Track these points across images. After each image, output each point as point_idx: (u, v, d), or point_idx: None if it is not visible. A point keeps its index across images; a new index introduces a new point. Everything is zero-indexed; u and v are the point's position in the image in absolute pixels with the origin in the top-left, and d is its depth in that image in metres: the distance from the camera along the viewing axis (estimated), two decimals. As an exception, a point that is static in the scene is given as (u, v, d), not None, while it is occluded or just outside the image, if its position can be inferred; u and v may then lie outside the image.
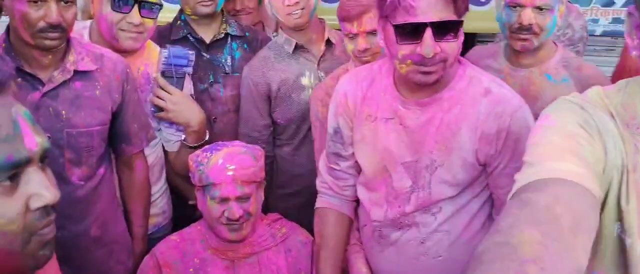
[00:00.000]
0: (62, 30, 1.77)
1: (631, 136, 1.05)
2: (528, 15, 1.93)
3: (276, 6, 2.32)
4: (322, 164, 1.91)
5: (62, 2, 1.75)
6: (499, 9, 2.05)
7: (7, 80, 0.86)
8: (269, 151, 2.45)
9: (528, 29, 1.94)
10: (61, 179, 1.81)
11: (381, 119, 1.66)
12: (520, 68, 2.05)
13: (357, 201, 1.85)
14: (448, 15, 1.45)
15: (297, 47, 2.39)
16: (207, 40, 2.50)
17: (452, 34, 1.48)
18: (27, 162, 0.85)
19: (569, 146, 1.04)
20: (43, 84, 1.82)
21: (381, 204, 1.71)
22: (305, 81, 2.40)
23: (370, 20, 1.94)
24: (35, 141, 0.87)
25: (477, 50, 2.35)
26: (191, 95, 2.36)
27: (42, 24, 1.73)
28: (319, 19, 2.48)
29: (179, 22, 2.52)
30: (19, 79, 1.78)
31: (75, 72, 1.87)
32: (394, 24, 1.48)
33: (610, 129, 1.06)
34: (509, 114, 1.55)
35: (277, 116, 2.46)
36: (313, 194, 2.38)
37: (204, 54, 2.50)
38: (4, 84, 0.86)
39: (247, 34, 2.61)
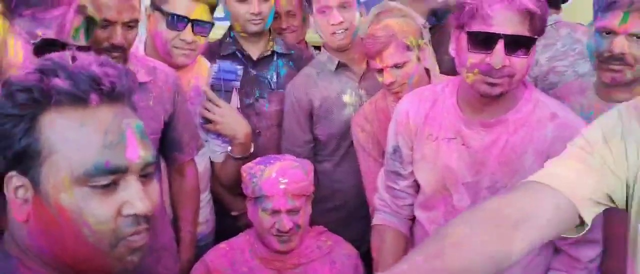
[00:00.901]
0: (123, 50, 1.89)
1: None
2: (621, 44, 1.74)
3: (321, 26, 2.41)
4: (380, 182, 1.98)
5: (127, 26, 1.87)
6: (589, 35, 1.89)
7: (126, 92, 0.94)
8: (310, 166, 2.52)
9: (620, 58, 1.76)
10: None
11: (443, 139, 1.72)
12: (612, 103, 1.73)
13: (412, 219, 1.91)
14: (522, 30, 1.52)
15: (340, 66, 2.47)
16: (255, 57, 2.60)
17: (524, 50, 1.54)
18: (125, 171, 0.92)
19: (577, 153, 1.22)
20: None
21: (439, 222, 1.76)
22: (346, 98, 2.47)
23: (391, 55, 1.99)
24: (137, 153, 0.93)
25: (566, 86, 2.14)
26: (237, 108, 2.45)
27: (106, 44, 1.85)
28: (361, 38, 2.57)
29: (228, 39, 2.62)
30: None
31: None
32: (469, 31, 1.55)
33: (636, 135, 1.17)
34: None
35: (318, 132, 2.53)
36: (352, 209, 2.46)
37: (251, 70, 2.59)
38: (123, 95, 0.94)
39: (292, 52, 2.70)
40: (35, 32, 1.36)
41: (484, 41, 1.53)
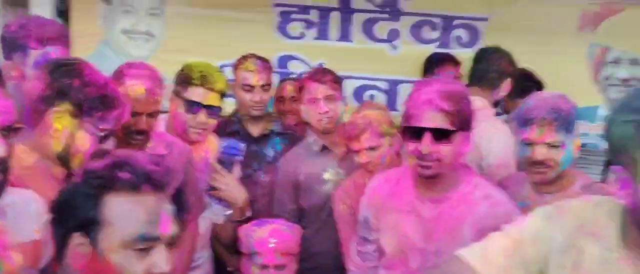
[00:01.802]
0: (146, 133, 2.33)
1: (586, 243, 1.36)
2: (540, 152, 2.13)
3: (310, 114, 2.87)
4: (352, 248, 2.38)
5: (150, 116, 2.31)
6: (516, 144, 2.25)
7: (165, 184, 1.30)
8: (294, 232, 2.92)
9: (542, 163, 2.14)
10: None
11: (402, 211, 2.13)
12: (544, 194, 2.20)
13: None
14: (444, 125, 1.95)
15: (323, 148, 2.92)
16: (255, 135, 3.07)
17: (446, 140, 1.96)
18: (157, 239, 1.27)
19: (506, 244, 1.47)
20: None
21: None
22: (327, 175, 2.89)
23: (367, 139, 2.47)
24: (169, 228, 1.27)
25: (511, 176, 2.49)
26: (238, 178, 2.89)
27: (133, 129, 2.28)
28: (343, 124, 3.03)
29: (233, 118, 3.11)
30: None
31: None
32: (406, 126, 2.01)
33: (556, 242, 1.42)
34: (503, 216, 1.90)
35: (302, 202, 2.96)
36: (328, 270, 2.84)
37: (252, 145, 3.05)
38: (164, 186, 1.30)
39: (288, 132, 3.17)
40: (100, 127, 1.79)
41: (415, 133, 1.97)
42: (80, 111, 1.77)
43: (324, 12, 4.03)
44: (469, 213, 2.04)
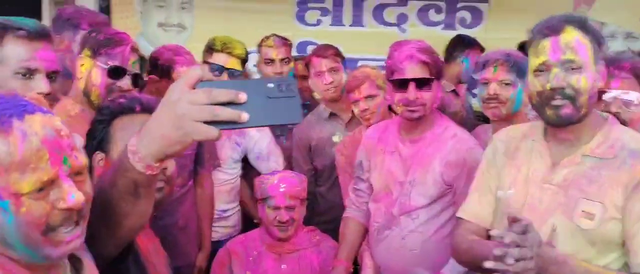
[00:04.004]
0: None
1: (521, 142, 1.92)
2: (493, 87, 2.46)
3: (317, 85, 3.27)
4: (349, 188, 2.76)
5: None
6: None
7: (154, 108, 1.34)
8: (310, 188, 3.27)
9: (495, 98, 2.46)
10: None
11: (387, 152, 2.51)
12: None
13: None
14: (424, 74, 2.33)
15: (331, 114, 3.30)
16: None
17: (428, 87, 2.34)
18: None
19: (477, 182, 1.99)
20: None
21: (381, 210, 2.50)
22: (335, 138, 3.28)
23: (366, 88, 2.83)
24: None
25: (480, 127, 2.91)
26: None
27: None
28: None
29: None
30: None
31: None
32: (391, 79, 2.37)
33: (499, 150, 1.96)
34: (465, 150, 2.36)
35: (315, 163, 3.35)
36: (340, 221, 3.20)
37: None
38: (153, 108, 1.24)
39: (307, 102, 3.58)
40: (108, 62, 2.18)
41: (401, 84, 2.34)
42: (95, 53, 2.19)
43: (338, 0, 4.44)
44: (439, 149, 2.40)
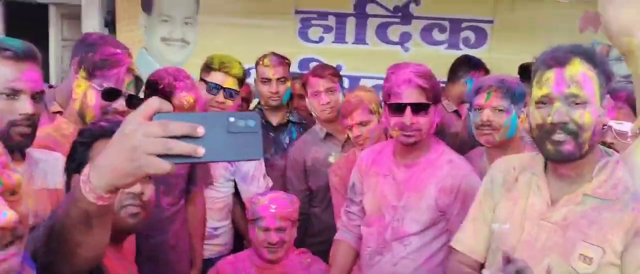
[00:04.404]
0: None
1: (520, 174, 1.87)
2: (486, 114, 2.41)
3: (313, 105, 3.23)
4: (341, 210, 2.73)
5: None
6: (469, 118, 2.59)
7: None
8: (304, 209, 3.25)
9: (488, 125, 2.42)
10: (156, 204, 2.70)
11: (381, 175, 2.47)
12: None
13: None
14: (420, 99, 2.29)
15: (327, 135, 3.27)
16: (274, 124, 3.45)
17: (424, 112, 2.30)
18: None
19: (473, 212, 1.95)
20: None
21: (373, 235, 2.47)
22: (331, 159, 3.24)
23: (359, 115, 2.79)
24: None
25: (474, 151, 2.81)
26: None
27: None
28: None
29: (255, 108, 3.50)
30: None
31: None
32: (388, 103, 2.34)
33: (497, 180, 1.91)
34: (461, 177, 2.32)
35: (310, 184, 3.31)
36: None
37: (271, 133, 3.44)
38: None
39: (304, 121, 3.55)
40: (103, 84, 2.19)
41: (397, 108, 2.31)
42: (90, 75, 2.19)
43: (341, 17, 4.46)
44: (434, 175, 2.36)
